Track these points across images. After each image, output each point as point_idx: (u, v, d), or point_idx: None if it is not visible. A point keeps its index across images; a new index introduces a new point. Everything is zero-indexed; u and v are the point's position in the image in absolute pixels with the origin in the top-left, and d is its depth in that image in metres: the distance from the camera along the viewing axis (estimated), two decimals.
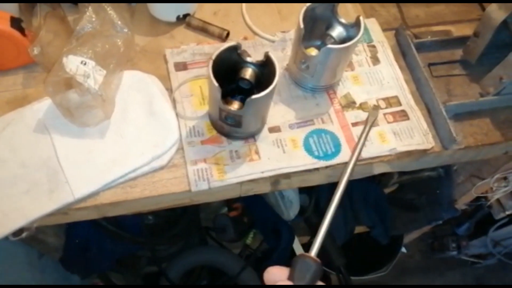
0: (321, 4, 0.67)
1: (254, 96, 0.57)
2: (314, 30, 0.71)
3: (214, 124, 0.68)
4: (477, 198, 1.23)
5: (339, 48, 0.64)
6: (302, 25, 0.64)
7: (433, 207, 1.32)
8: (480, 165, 1.09)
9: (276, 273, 0.42)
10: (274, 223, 1.20)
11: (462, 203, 1.29)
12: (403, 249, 1.58)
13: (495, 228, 1.50)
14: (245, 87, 0.64)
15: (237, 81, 0.64)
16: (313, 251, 0.45)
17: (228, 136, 0.67)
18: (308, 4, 0.66)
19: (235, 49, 0.61)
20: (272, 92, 0.59)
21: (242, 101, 0.63)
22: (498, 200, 1.29)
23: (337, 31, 0.70)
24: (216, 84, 0.57)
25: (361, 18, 0.64)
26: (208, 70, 0.58)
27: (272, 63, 0.59)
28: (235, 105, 0.64)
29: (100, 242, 0.99)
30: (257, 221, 1.22)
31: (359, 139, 0.62)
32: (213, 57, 0.59)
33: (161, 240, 1.08)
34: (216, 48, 0.61)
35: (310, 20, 0.68)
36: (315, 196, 1.18)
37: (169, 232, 1.07)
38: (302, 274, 0.42)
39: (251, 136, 0.68)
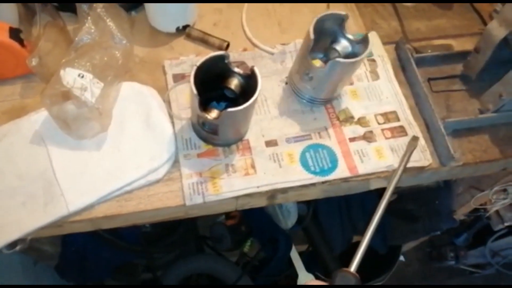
0: (330, 18, 0.66)
1: (229, 109, 0.57)
2: (319, 43, 0.71)
3: (194, 128, 0.68)
4: (476, 209, 1.22)
5: (346, 62, 0.63)
6: (312, 36, 0.63)
7: (432, 218, 1.32)
8: (479, 177, 1.09)
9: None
10: (271, 232, 1.20)
11: (461, 214, 1.29)
12: (402, 258, 1.57)
13: (494, 238, 1.49)
14: (230, 96, 0.65)
15: (222, 89, 0.65)
16: (353, 266, 0.46)
17: (206, 141, 0.68)
18: (318, 16, 0.65)
19: (222, 58, 0.61)
20: (250, 106, 0.59)
21: (227, 108, 0.63)
22: (497, 212, 1.29)
23: (342, 46, 0.69)
24: (195, 91, 0.58)
25: (369, 35, 0.64)
26: (190, 77, 0.59)
27: (256, 78, 0.59)
28: (213, 114, 0.64)
29: (96, 250, 0.99)
30: (254, 229, 1.22)
31: (398, 168, 0.63)
32: (197, 64, 0.60)
33: (157, 248, 1.08)
34: None
35: (316, 32, 0.68)
36: (313, 205, 1.18)
37: (166, 240, 1.07)
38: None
39: (228, 144, 0.68)
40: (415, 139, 0.69)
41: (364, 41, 0.65)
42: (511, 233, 1.46)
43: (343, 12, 0.66)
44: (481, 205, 1.17)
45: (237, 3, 0.84)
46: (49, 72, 0.66)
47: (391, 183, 0.60)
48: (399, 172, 0.62)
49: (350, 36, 0.68)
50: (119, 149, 0.65)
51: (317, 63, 0.68)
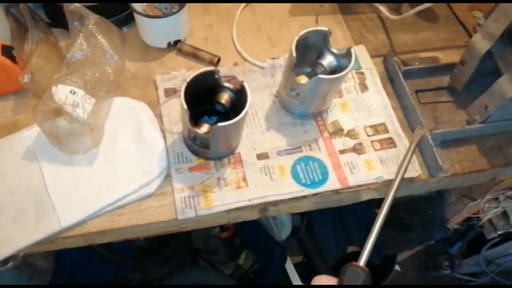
0: (313, 34, 0.68)
1: (220, 124, 0.58)
2: (305, 58, 0.72)
3: (185, 142, 0.69)
4: (469, 218, 1.23)
5: (329, 78, 0.64)
6: (294, 54, 0.65)
7: (425, 227, 1.32)
8: (471, 186, 1.10)
9: (324, 281, 0.44)
10: (266, 243, 1.20)
11: (454, 223, 1.30)
12: (397, 267, 1.58)
13: (488, 247, 1.50)
14: (221, 110, 0.66)
15: (213, 103, 0.66)
16: (362, 261, 0.46)
17: (197, 155, 0.68)
18: (301, 33, 0.67)
19: (213, 73, 0.63)
20: (240, 121, 0.60)
21: (218, 122, 0.64)
22: (489, 220, 1.30)
23: (328, 60, 0.70)
24: (185, 106, 0.59)
25: (352, 50, 0.65)
26: (181, 92, 0.60)
27: (246, 93, 0.61)
28: (204, 128, 0.65)
29: (90, 265, 0.98)
30: (249, 241, 1.22)
31: (404, 157, 0.63)
32: (188, 79, 0.61)
33: (151, 261, 1.07)
34: None
35: (302, 48, 0.69)
36: (307, 216, 1.19)
37: (160, 254, 1.07)
38: (352, 282, 0.43)
39: (219, 158, 0.68)
40: (421, 127, 0.70)
41: (348, 55, 0.66)
42: (505, 241, 1.47)
43: (325, 28, 0.67)
44: (473, 214, 1.18)
45: (228, 19, 0.85)
46: (41, 88, 0.66)
47: (398, 174, 0.60)
48: (406, 162, 0.62)
49: (334, 50, 0.69)
50: (111, 164, 0.65)
51: (302, 79, 0.69)
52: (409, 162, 0.63)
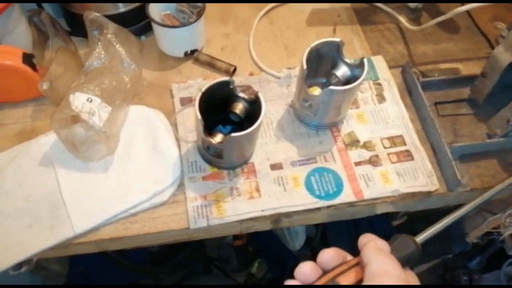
0: (326, 44, 0.68)
1: (233, 134, 0.58)
2: (319, 68, 0.72)
3: (199, 151, 0.69)
4: (489, 232, 1.20)
5: (341, 89, 0.64)
6: (305, 66, 0.64)
7: (443, 240, 1.29)
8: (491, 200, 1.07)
9: (372, 239, 0.41)
10: (279, 253, 1.19)
11: (473, 237, 1.26)
12: None
13: (509, 263, 1.45)
14: (235, 120, 0.66)
15: (228, 112, 0.66)
16: (420, 237, 0.42)
17: (211, 164, 0.68)
18: (312, 44, 0.66)
19: (228, 83, 0.63)
20: (254, 131, 0.60)
21: (232, 131, 0.63)
22: (511, 235, 1.26)
23: (342, 71, 0.70)
24: (199, 116, 0.59)
25: (365, 60, 0.64)
26: (195, 102, 0.60)
27: (260, 104, 0.60)
28: (217, 138, 0.65)
29: (103, 270, 0.99)
30: (262, 250, 1.22)
31: None
32: (202, 90, 0.61)
33: (164, 268, 1.07)
34: None
35: (315, 58, 0.69)
36: (322, 227, 1.17)
37: (173, 260, 1.07)
38: (400, 249, 0.40)
39: (233, 168, 0.68)
40: None
41: (361, 66, 0.65)
42: None
43: (337, 39, 0.67)
44: (494, 228, 1.14)
45: (245, 28, 0.85)
46: (60, 95, 0.68)
47: None
48: None
49: (348, 61, 0.68)
50: (126, 172, 0.66)
51: (314, 90, 0.68)
52: None
